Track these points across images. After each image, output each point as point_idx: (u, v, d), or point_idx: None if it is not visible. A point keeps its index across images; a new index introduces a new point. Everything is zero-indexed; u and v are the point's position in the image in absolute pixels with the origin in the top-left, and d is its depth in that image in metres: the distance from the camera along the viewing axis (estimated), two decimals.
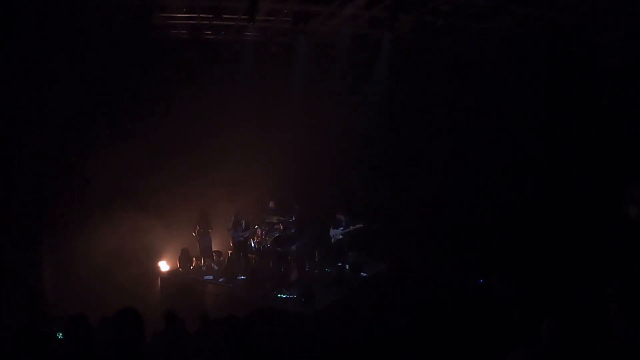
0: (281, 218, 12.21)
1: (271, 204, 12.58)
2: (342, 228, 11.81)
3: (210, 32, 10.93)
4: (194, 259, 12.27)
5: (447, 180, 11.86)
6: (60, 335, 4.23)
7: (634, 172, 9.19)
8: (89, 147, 10.17)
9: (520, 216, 10.52)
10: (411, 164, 12.42)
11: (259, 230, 12.24)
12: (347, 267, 11.67)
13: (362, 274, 11.41)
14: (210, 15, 9.94)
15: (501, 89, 10.71)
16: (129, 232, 10.88)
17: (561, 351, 3.12)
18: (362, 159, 13.06)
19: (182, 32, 10.83)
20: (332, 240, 11.97)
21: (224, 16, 10.02)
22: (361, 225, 11.77)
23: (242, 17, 9.96)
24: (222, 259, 12.23)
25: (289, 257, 11.28)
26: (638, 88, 8.97)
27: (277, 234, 11.74)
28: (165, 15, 9.86)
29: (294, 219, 12.27)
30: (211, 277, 11.45)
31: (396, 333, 5.02)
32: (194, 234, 12.09)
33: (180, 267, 12.03)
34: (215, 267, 11.95)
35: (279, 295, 10.13)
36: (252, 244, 12.27)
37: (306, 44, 11.53)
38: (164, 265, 11.91)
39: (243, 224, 11.76)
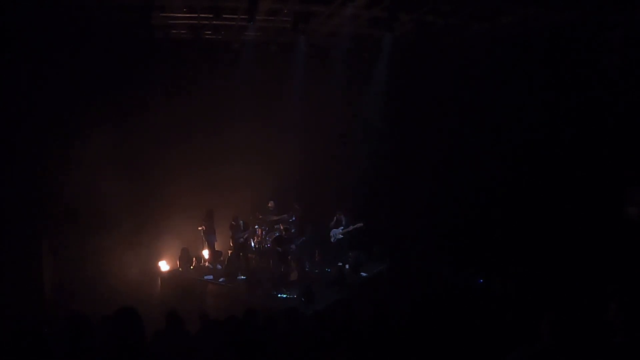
0: (281, 218, 12.23)
1: (270, 204, 12.58)
2: (342, 228, 11.82)
3: (210, 32, 10.93)
4: (194, 258, 12.28)
5: (447, 180, 11.87)
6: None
7: (634, 172, 9.19)
8: (89, 147, 10.16)
9: (521, 216, 10.53)
10: (411, 163, 12.43)
11: (259, 230, 12.25)
12: (347, 267, 11.68)
13: (362, 274, 11.42)
14: (210, 15, 9.93)
15: (501, 88, 10.71)
16: (129, 232, 10.89)
17: (561, 351, 3.12)
18: (362, 158, 13.07)
19: (182, 32, 10.83)
20: (332, 240, 11.98)
21: (224, 16, 10.02)
22: (361, 225, 11.78)
23: (242, 17, 9.96)
24: (222, 259, 12.25)
25: (289, 257, 11.28)
26: (638, 88, 8.98)
27: (277, 234, 11.75)
28: (165, 15, 9.85)
29: (294, 218, 12.28)
30: (211, 277, 11.46)
31: (396, 333, 5.02)
32: (200, 229, 12.10)
33: (180, 267, 12.05)
34: (219, 267, 11.98)
35: (279, 295, 10.14)
36: (252, 244, 12.28)
37: (306, 44, 11.53)
38: (164, 265, 11.92)
39: (242, 225, 11.75)
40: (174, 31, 10.76)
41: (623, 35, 9.26)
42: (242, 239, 11.74)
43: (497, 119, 10.92)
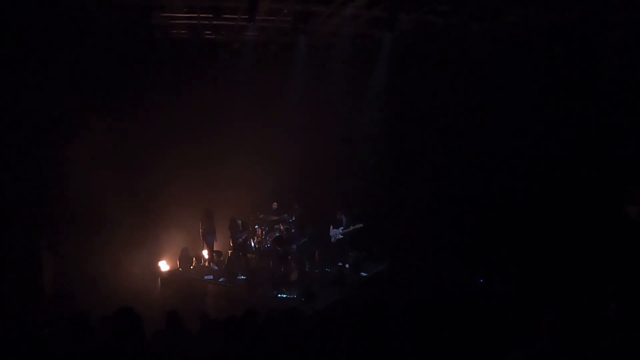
0: (281, 218, 12.22)
1: (274, 205, 12.57)
2: (343, 228, 11.82)
3: (210, 32, 10.93)
4: (194, 258, 12.28)
5: (447, 180, 11.86)
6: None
7: (635, 172, 9.18)
8: (89, 147, 10.17)
9: (521, 216, 10.52)
10: (411, 163, 12.43)
11: (259, 230, 12.24)
12: (347, 267, 11.68)
13: (362, 274, 11.42)
14: (210, 15, 9.94)
15: (501, 88, 10.72)
16: (129, 232, 10.89)
17: (560, 351, 3.12)
18: (362, 158, 13.06)
19: (182, 32, 10.84)
20: (333, 239, 11.98)
21: (224, 16, 10.02)
22: (361, 225, 11.78)
23: (242, 17, 9.96)
24: (222, 259, 12.26)
25: (289, 257, 11.28)
26: (638, 88, 8.97)
27: (277, 234, 11.75)
28: (165, 15, 9.86)
29: (294, 218, 12.28)
30: (211, 277, 11.47)
31: (396, 333, 5.01)
32: (200, 230, 12.11)
33: (180, 267, 12.05)
34: (215, 267, 11.98)
35: (279, 295, 10.14)
36: (252, 244, 12.28)
37: (306, 44, 11.54)
38: (164, 265, 11.93)
39: (240, 225, 11.75)
40: (174, 31, 10.76)
41: (623, 35, 9.26)
42: (241, 240, 11.74)
43: (496, 119, 10.91)
